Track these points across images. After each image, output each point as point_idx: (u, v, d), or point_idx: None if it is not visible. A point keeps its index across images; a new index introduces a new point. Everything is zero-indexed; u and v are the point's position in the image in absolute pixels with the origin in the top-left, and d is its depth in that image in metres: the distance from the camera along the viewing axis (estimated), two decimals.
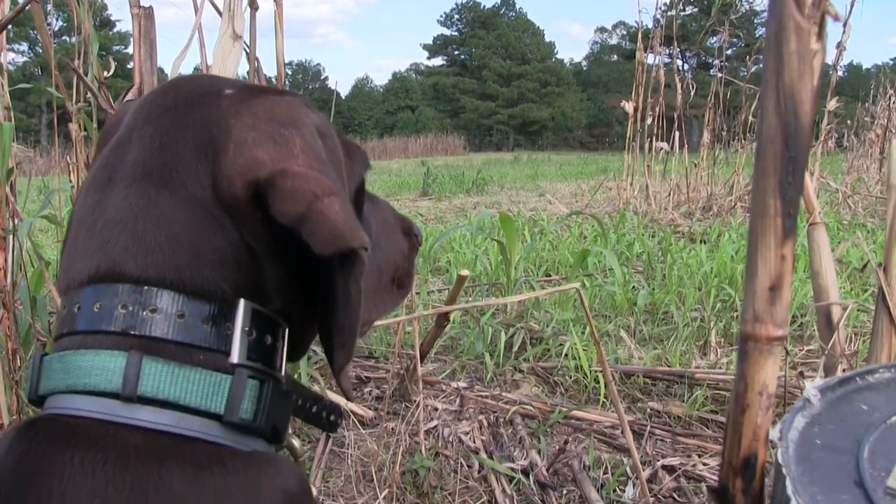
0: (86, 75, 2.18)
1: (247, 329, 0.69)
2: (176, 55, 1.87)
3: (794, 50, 0.63)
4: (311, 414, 0.89)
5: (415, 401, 2.40)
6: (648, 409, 2.60)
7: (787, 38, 0.63)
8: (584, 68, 76.92)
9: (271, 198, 0.66)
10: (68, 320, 0.69)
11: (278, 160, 0.67)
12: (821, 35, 0.63)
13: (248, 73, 2.09)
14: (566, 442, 2.25)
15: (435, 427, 2.41)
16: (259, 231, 0.69)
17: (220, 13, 1.86)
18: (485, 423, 2.47)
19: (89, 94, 2.20)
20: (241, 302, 0.69)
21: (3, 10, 1.99)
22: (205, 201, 0.68)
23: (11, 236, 1.98)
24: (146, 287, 0.66)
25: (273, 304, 0.73)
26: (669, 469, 2.15)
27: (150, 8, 1.73)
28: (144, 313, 0.66)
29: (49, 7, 2.73)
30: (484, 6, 73.05)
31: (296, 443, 0.84)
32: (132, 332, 0.66)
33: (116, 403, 0.64)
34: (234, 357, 0.68)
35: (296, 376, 2.25)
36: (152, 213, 0.68)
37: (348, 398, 0.86)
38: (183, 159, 0.69)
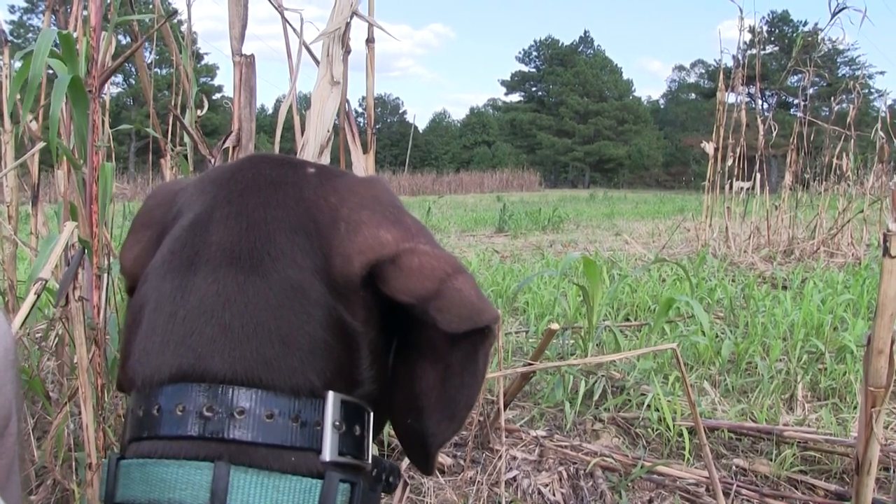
0: (182, 115, 2.25)
1: (336, 423, 0.66)
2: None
3: None
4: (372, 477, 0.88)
5: (495, 449, 2.38)
6: (734, 467, 2.52)
7: None
8: (662, 106, 76.61)
9: (393, 276, 0.66)
10: (147, 423, 0.64)
11: (402, 239, 0.68)
12: None
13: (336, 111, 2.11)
14: (650, 501, 2.19)
15: (514, 477, 2.38)
16: (360, 309, 0.69)
17: (317, 62, 1.88)
18: (564, 474, 2.43)
19: (186, 137, 2.27)
20: (331, 395, 0.66)
21: (108, 55, 2.05)
22: (300, 284, 0.66)
23: (106, 274, 2.03)
24: (233, 387, 0.63)
25: (363, 387, 0.70)
26: None
27: (252, 56, 1.72)
28: (231, 416, 0.62)
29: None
30: (562, 43, 73.52)
31: None
32: (219, 437, 0.62)
33: None
34: (326, 455, 0.65)
35: None
36: (241, 301, 0.65)
37: (430, 473, 0.83)
38: (275, 241, 0.67)
